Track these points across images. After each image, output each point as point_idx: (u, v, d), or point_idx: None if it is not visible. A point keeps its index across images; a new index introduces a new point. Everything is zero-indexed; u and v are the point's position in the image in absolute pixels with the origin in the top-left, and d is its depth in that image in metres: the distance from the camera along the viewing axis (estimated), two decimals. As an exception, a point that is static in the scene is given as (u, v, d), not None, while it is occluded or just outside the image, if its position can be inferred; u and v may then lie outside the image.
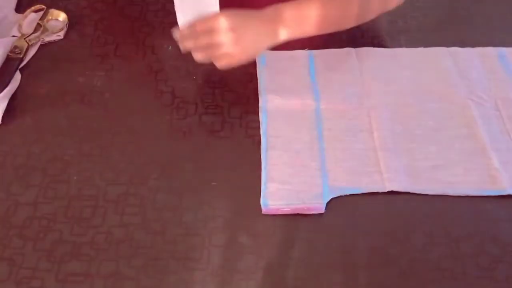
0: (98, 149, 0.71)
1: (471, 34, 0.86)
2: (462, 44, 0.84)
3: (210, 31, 0.68)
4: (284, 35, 0.71)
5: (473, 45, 0.84)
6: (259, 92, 0.78)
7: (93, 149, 0.71)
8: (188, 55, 0.81)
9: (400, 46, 0.84)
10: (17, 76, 0.79)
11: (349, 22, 0.75)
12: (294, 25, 0.71)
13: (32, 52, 0.82)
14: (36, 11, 0.87)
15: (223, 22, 0.67)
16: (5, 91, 0.75)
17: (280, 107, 0.75)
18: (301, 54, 0.82)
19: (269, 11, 0.70)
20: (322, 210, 0.65)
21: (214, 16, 0.68)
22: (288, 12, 0.70)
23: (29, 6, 0.87)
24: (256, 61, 0.81)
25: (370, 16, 0.77)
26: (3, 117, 0.73)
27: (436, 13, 0.90)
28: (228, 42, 0.67)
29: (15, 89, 0.77)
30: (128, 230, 0.63)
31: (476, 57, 0.83)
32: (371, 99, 0.77)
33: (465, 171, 0.69)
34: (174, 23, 0.83)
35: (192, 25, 0.69)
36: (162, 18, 0.87)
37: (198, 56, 0.71)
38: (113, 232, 0.63)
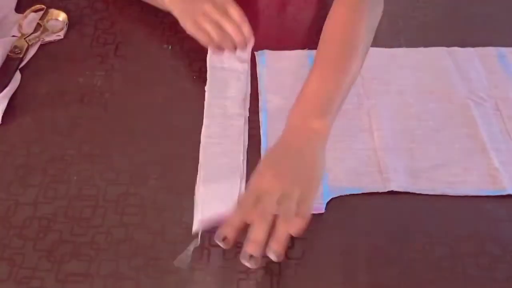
0: (98, 149, 0.71)
1: (471, 34, 0.86)
2: (462, 44, 0.84)
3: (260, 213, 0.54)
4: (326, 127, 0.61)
5: (473, 45, 0.84)
6: (259, 92, 0.78)
7: (93, 149, 0.71)
8: (189, 55, 0.82)
9: (400, 46, 0.84)
10: (17, 76, 0.78)
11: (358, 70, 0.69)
12: (327, 114, 0.61)
13: (32, 52, 0.82)
14: (36, 11, 0.87)
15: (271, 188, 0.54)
16: (5, 91, 0.75)
17: (280, 107, 0.75)
18: (301, 54, 0.82)
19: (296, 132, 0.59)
20: (322, 210, 0.65)
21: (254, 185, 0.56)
22: (313, 117, 0.60)
23: (29, 6, 0.87)
24: (256, 61, 0.81)
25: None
26: (3, 117, 0.73)
27: (436, 13, 0.90)
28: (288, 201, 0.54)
29: (15, 89, 0.77)
30: (128, 230, 0.63)
31: (476, 57, 0.83)
32: (371, 99, 0.77)
33: (465, 171, 0.69)
34: (174, 22, 0.84)
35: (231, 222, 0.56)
36: (162, 18, 0.87)
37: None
38: (113, 232, 0.63)
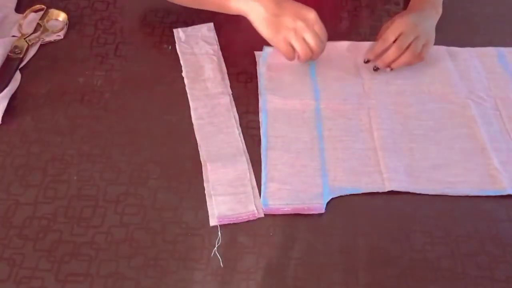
0: (98, 149, 0.71)
1: (471, 34, 0.86)
2: (462, 44, 0.84)
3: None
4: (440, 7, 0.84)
5: (473, 45, 0.84)
6: (259, 92, 0.78)
7: (93, 149, 0.71)
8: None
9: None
10: (17, 76, 0.78)
11: None
12: None
13: (32, 52, 0.82)
14: (36, 11, 0.87)
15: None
16: (5, 91, 0.75)
17: (280, 107, 0.75)
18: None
19: None
20: (322, 210, 0.65)
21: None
22: None
23: (29, 6, 0.87)
24: (256, 60, 0.81)
25: None
26: (3, 117, 0.73)
27: (436, 13, 0.89)
28: None
29: (15, 89, 0.77)
30: (128, 230, 0.63)
31: (476, 57, 0.83)
32: (371, 99, 0.77)
33: (465, 171, 0.69)
34: (174, 22, 0.84)
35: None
36: (162, 18, 0.87)
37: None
38: (113, 232, 0.63)
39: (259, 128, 0.73)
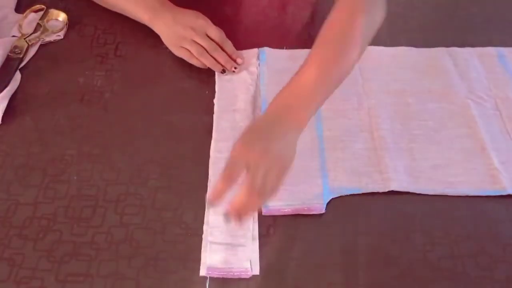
0: (98, 149, 0.71)
1: (471, 34, 0.86)
2: (462, 44, 0.84)
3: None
4: (305, 120, 0.63)
5: (473, 45, 0.84)
6: (259, 92, 0.77)
7: (93, 149, 0.71)
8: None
9: (400, 46, 0.84)
10: (17, 76, 0.78)
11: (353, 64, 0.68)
12: (307, 103, 0.63)
13: (32, 52, 0.82)
14: (36, 11, 0.87)
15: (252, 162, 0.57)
16: (5, 91, 0.75)
17: (280, 107, 0.75)
18: (301, 53, 0.82)
19: (274, 110, 0.62)
20: (322, 210, 0.65)
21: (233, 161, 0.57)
22: (293, 99, 0.62)
23: (29, 6, 0.87)
24: (257, 61, 0.81)
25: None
26: (3, 117, 0.73)
27: (436, 13, 0.90)
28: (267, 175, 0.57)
29: (15, 89, 0.77)
30: (128, 230, 0.63)
31: (476, 57, 0.83)
32: (371, 99, 0.77)
33: (465, 171, 0.69)
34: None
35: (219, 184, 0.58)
36: (162, 18, 0.87)
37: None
38: (113, 232, 0.63)
39: (259, 128, 0.73)
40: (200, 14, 0.81)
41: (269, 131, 0.60)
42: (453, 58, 0.82)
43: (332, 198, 0.66)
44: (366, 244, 0.63)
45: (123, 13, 0.85)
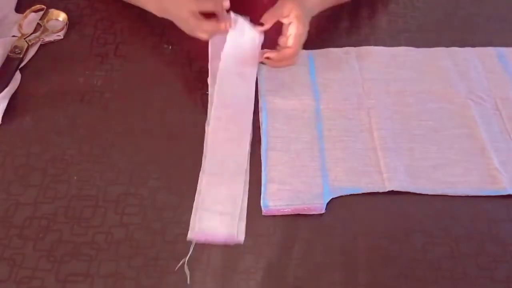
0: (98, 149, 0.71)
1: (471, 34, 0.86)
2: (462, 44, 0.84)
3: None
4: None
5: (473, 45, 0.84)
6: (259, 92, 0.77)
7: (93, 149, 0.71)
8: (188, 55, 0.81)
9: (400, 46, 0.84)
10: (17, 76, 0.78)
11: None
12: None
13: (32, 52, 0.82)
14: (36, 11, 0.87)
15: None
16: (5, 91, 0.75)
17: (280, 107, 0.75)
18: (301, 53, 0.82)
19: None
20: (322, 210, 0.65)
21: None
22: None
23: (29, 6, 0.87)
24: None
25: None
26: (3, 117, 0.73)
27: (436, 13, 0.90)
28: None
29: (15, 89, 0.77)
30: (128, 230, 0.64)
31: (476, 57, 0.83)
32: (371, 99, 0.77)
33: (465, 171, 0.69)
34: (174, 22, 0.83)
35: None
36: (162, 18, 0.87)
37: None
38: (113, 232, 0.63)
39: (259, 128, 0.73)
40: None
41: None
42: (453, 58, 0.82)
43: (332, 198, 0.66)
44: (366, 244, 0.63)
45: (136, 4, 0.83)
